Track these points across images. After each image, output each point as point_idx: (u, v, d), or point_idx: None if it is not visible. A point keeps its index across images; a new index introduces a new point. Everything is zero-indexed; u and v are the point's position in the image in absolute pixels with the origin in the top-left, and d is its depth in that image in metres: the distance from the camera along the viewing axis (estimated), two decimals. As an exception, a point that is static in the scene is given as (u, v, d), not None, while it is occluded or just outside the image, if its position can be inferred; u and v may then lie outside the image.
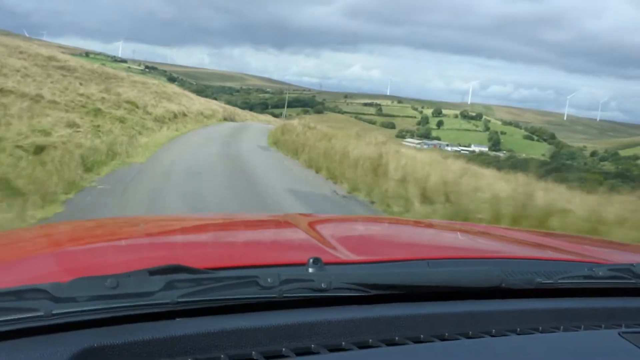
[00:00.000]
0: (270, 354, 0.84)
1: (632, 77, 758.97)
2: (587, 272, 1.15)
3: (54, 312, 0.78)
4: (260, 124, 34.62)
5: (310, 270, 0.98)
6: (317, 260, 1.00)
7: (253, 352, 0.84)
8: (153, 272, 0.87)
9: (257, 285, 0.90)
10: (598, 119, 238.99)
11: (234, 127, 27.11)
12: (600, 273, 1.14)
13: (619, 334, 1.00)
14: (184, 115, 27.05)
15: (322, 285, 0.93)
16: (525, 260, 1.34)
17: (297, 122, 22.78)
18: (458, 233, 1.88)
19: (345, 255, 1.23)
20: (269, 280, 0.90)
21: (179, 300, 0.85)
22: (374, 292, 0.98)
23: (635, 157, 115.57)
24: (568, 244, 1.78)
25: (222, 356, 0.82)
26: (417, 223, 2.25)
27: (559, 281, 1.11)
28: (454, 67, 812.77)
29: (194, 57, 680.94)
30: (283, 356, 0.85)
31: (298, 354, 0.85)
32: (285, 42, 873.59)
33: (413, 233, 1.91)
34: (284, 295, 0.91)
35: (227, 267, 1.02)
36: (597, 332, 1.03)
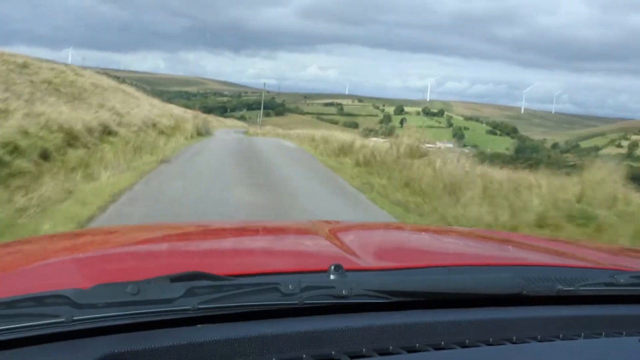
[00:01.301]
0: None
1: (582, 70, 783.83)
2: (608, 279, 1.14)
3: (75, 318, 0.78)
4: (258, 138, 29.15)
5: (332, 277, 0.98)
6: (338, 267, 0.99)
7: (274, 359, 0.84)
8: (174, 279, 0.88)
9: (277, 292, 0.90)
10: (553, 112, 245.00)
11: (237, 159, 14.50)
12: (622, 280, 1.13)
13: None
14: (108, 134, 13.11)
15: (343, 292, 0.93)
16: (546, 267, 1.33)
17: (377, 141, 13.28)
18: (478, 240, 1.87)
19: (367, 262, 1.23)
20: (289, 287, 0.90)
21: (200, 306, 0.85)
22: (394, 298, 0.98)
23: (597, 149, 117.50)
24: (589, 251, 1.73)
25: None
26: (437, 230, 2.33)
27: (580, 288, 1.11)
28: (411, 65, 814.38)
29: (149, 63, 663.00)
30: None
31: None
32: (242, 44, 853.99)
33: (434, 240, 1.90)
34: (305, 302, 0.91)
35: (247, 274, 1.02)
36: (618, 339, 1.03)
